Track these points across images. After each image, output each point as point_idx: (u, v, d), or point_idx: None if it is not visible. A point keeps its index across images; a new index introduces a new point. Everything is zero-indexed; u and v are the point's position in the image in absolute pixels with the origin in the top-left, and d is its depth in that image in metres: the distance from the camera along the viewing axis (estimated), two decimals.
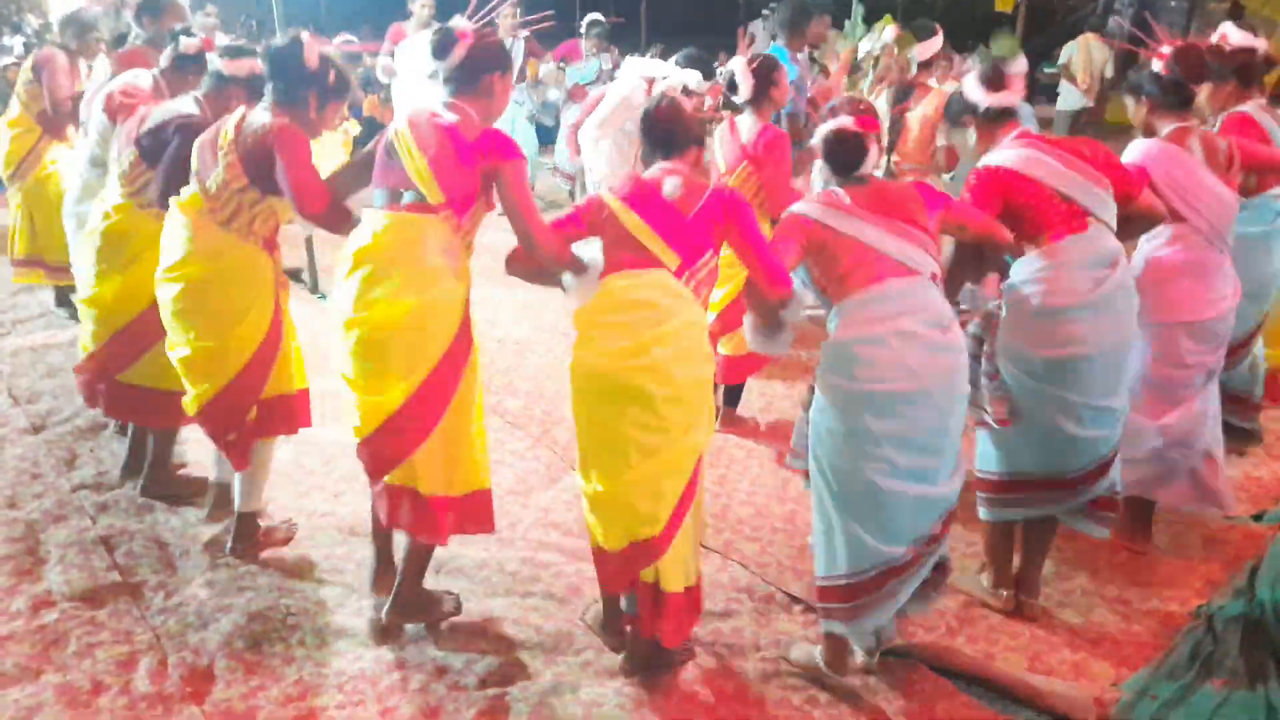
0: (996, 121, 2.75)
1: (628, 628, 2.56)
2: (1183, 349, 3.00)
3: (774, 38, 5.04)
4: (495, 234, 2.53)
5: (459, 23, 2.51)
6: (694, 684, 2.59)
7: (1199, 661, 2.64)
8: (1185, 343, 3.00)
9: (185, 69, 3.36)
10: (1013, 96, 2.72)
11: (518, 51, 7.09)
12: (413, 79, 6.47)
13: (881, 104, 4.81)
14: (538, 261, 2.48)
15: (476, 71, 2.51)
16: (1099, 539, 2.95)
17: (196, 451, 3.75)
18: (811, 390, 2.50)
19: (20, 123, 4.79)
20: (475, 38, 2.50)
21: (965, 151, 2.97)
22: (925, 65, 4.49)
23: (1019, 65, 2.78)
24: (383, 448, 2.53)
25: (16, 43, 7.68)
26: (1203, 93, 3.27)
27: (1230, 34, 3.28)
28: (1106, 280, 2.63)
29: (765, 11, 9.60)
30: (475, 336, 2.59)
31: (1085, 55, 9.55)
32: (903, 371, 2.32)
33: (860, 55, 6.52)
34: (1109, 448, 2.77)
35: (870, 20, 8.74)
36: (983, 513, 2.91)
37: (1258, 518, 3.51)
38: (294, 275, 5.28)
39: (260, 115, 2.73)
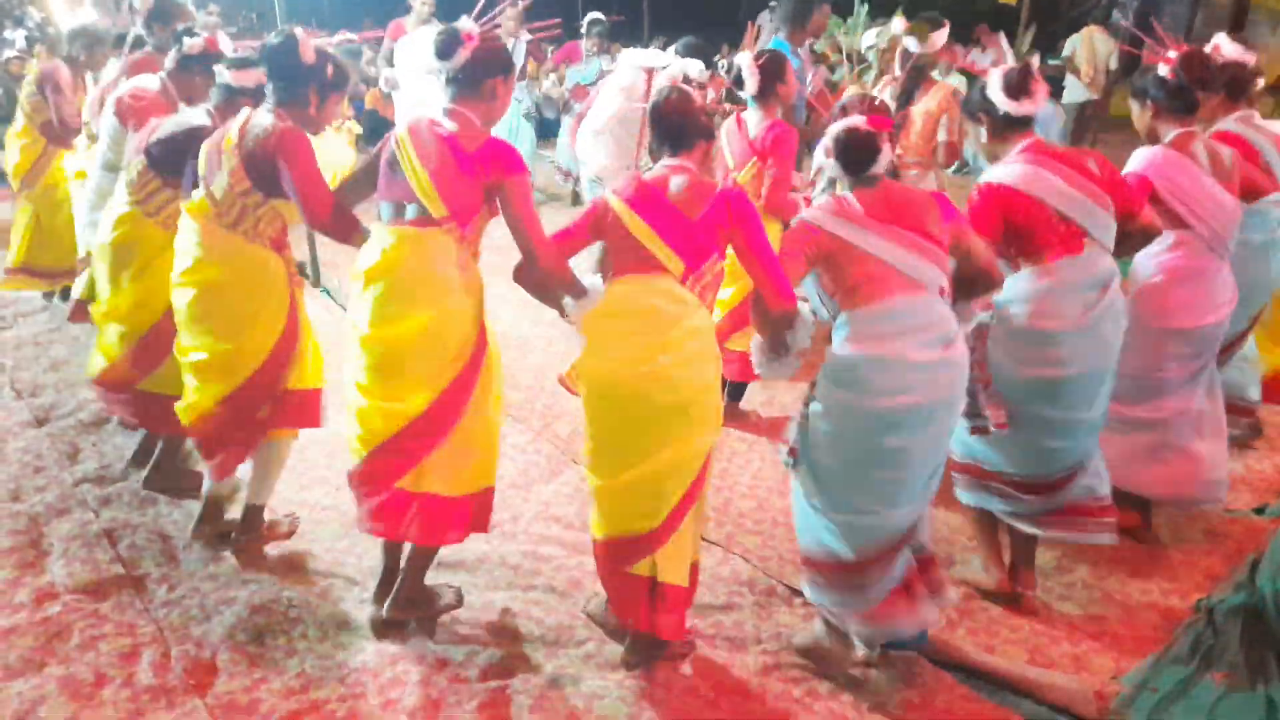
0: (1012, 128, 2.71)
1: (629, 620, 2.56)
2: (1174, 353, 3.02)
3: (777, 31, 5.02)
4: (499, 230, 2.56)
5: (465, 25, 2.48)
6: (695, 677, 2.60)
7: (1199, 655, 2.65)
8: (1178, 347, 3.02)
9: (191, 69, 3.36)
10: (1033, 106, 2.67)
11: (519, 51, 7.08)
12: (413, 75, 6.47)
13: (886, 97, 4.79)
14: (539, 276, 2.48)
15: (480, 75, 2.48)
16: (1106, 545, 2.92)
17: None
18: (813, 386, 2.50)
19: (26, 134, 4.81)
20: (480, 41, 2.48)
21: (977, 145, 2.95)
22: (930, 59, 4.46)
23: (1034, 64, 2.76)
24: (398, 453, 2.53)
25: (18, 36, 7.68)
26: None
27: (1223, 46, 3.29)
28: (1097, 305, 2.65)
29: (772, 3, 9.58)
30: (495, 342, 2.60)
31: (1089, 48, 9.53)
32: (904, 391, 2.32)
33: (865, 48, 6.50)
34: (1085, 454, 2.80)
35: (874, 13, 8.72)
36: (962, 496, 2.95)
37: (1259, 511, 3.52)
38: (299, 269, 5.28)
39: (263, 117, 2.72)
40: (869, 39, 6.66)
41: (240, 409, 2.91)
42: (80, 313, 4.35)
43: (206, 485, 3.15)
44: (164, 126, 3.13)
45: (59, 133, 4.65)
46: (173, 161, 3.06)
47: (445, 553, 3.00)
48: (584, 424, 2.52)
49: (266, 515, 3.20)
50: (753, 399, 4.33)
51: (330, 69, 2.77)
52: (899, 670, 2.63)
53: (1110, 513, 2.85)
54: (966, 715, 2.49)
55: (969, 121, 2.87)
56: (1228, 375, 3.51)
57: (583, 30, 7.56)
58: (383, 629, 2.73)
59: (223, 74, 3.09)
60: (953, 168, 4.54)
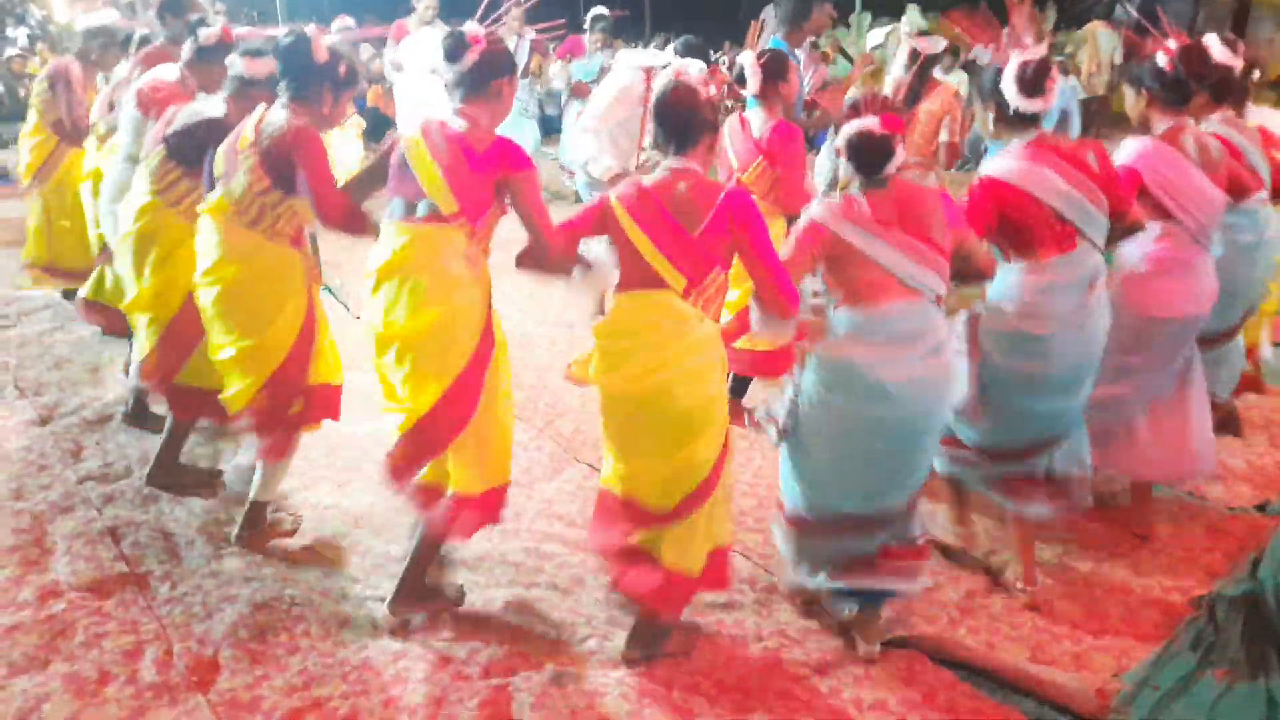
0: (1019, 123, 2.71)
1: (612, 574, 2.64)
2: (1152, 340, 3.05)
3: (776, 30, 5.02)
4: (500, 229, 2.59)
5: (471, 28, 2.55)
6: (696, 674, 2.60)
7: (1200, 652, 2.65)
8: (1157, 335, 3.05)
9: (209, 60, 3.38)
10: (1044, 105, 2.67)
11: (523, 50, 7.09)
12: (415, 75, 6.47)
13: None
14: (548, 264, 2.55)
15: (486, 77, 2.54)
16: (1040, 519, 2.96)
17: (202, 446, 3.78)
18: (801, 369, 2.57)
19: (39, 132, 4.82)
20: (486, 44, 2.53)
21: (983, 128, 2.98)
22: (933, 59, 4.46)
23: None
24: (415, 446, 2.59)
25: (20, 34, 7.70)
26: None
27: (1213, 48, 3.30)
28: (1085, 303, 2.70)
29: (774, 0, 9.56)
30: (501, 334, 2.65)
31: (1093, 45, 9.52)
32: (889, 399, 2.41)
33: (871, 47, 6.49)
34: (1061, 429, 2.87)
35: (875, 11, 8.70)
36: (936, 464, 3.00)
37: (1261, 508, 3.51)
38: None
39: (278, 115, 2.77)
40: (876, 38, 6.65)
41: (271, 402, 2.97)
42: (91, 312, 4.39)
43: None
44: (180, 116, 3.17)
45: (70, 131, 4.67)
46: (191, 152, 3.11)
47: (447, 550, 3.00)
48: (602, 425, 2.60)
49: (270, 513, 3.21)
50: (754, 396, 4.33)
51: (343, 67, 2.82)
52: (900, 668, 2.64)
53: (1065, 492, 2.90)
54: (968, 713, 2.50)
55: (979, 102, 2.87)
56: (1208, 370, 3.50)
57: (586, 25, 7.55)
58: (387, 624, 2.75)
59: (235, 64, 3.12)
60: (951, 169, 4.55)
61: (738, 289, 3.64)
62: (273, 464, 3.09)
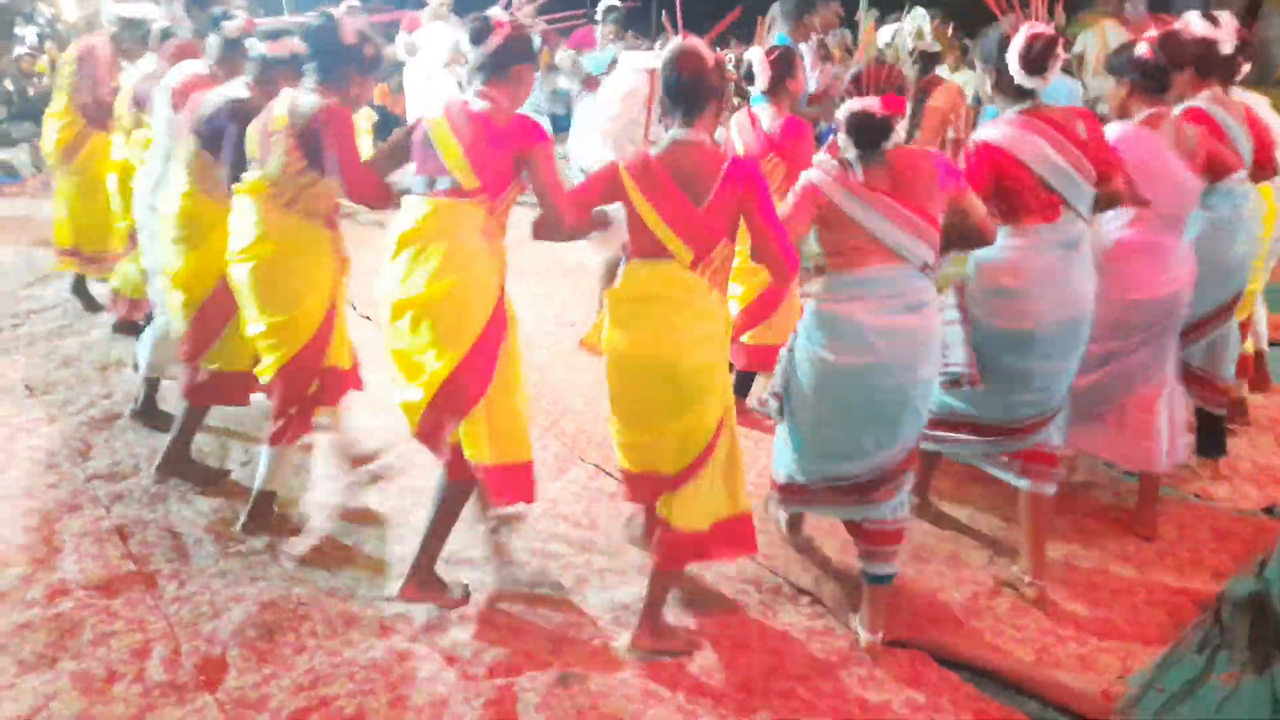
0: (1015, 93, 2.77)
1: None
2: (1129, 323, 3.08)
3: (781, 27, 5.00)
4: (511, 230, 2.65)
5: (496, 13, 2.65)
6: (700, 675, 2.61)
7: (1207, 654, 2.65)
8: (1132, 318, 3.07)
9: (236, 53, 3.41)
10: (1043, 83, 2.72)
11: (535, 41, 7.08)
12: (427, 69, 6.48)
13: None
14: (561, 233, 2.64)
15: (509, 60, 2.63)
16: (1024, 489, 2.96)
17: (210, 444, 3.80)
18: (794, 335, 2.65)
19: (65, 114, 4.83)
20: (511, 28, 2.62)
21: (981, 90, 3.05)
22: (934, 56, 4.45)
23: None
24: (439, 411, 2.65)
25: (29, 33, 7.72)
26: None
27: (1193, 23, 3.32)
28: (1067, 259, 2.75)
29: None
30: (514, 312, 2.72)
31: (1102, 40, 9.44)
32: (865, 350, 2.47)
33: (882, 44, 6.47)
34: (1055, 403, 2.90)
35: (881, 6, 8.67)
36: (930, 445, 3.04)
37: (1269, 511, 3.50)
38: None
39: (308, 97, 2.86)
40: (885, 36, 6.63)
41: (294, 379, 3.05)
42: (120, 302, 4.45)
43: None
44: (206, 103, 3.23)
45: (96, 112, 4.69)
46: (222, 139, 3.17)
47: (452, 549, 3.01)
48: (608, 389, 2.66)
49: (276, 508, 3.23)
50: (758, 394, 4.33)
51: (369, 49, 2.91)
52: (904, 669, 2.64)
53: (1051, 461, 2.93)
54: (972, 714, 2.50)
55: (980, 64, 2.89)
56: (1195, 349, 3.48)
57: (598, 17, 7.53)
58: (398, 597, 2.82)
59: (256, 46, 3.18)
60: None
61: (740, 285, 3.65)
62: (282, 450, 3.13)
